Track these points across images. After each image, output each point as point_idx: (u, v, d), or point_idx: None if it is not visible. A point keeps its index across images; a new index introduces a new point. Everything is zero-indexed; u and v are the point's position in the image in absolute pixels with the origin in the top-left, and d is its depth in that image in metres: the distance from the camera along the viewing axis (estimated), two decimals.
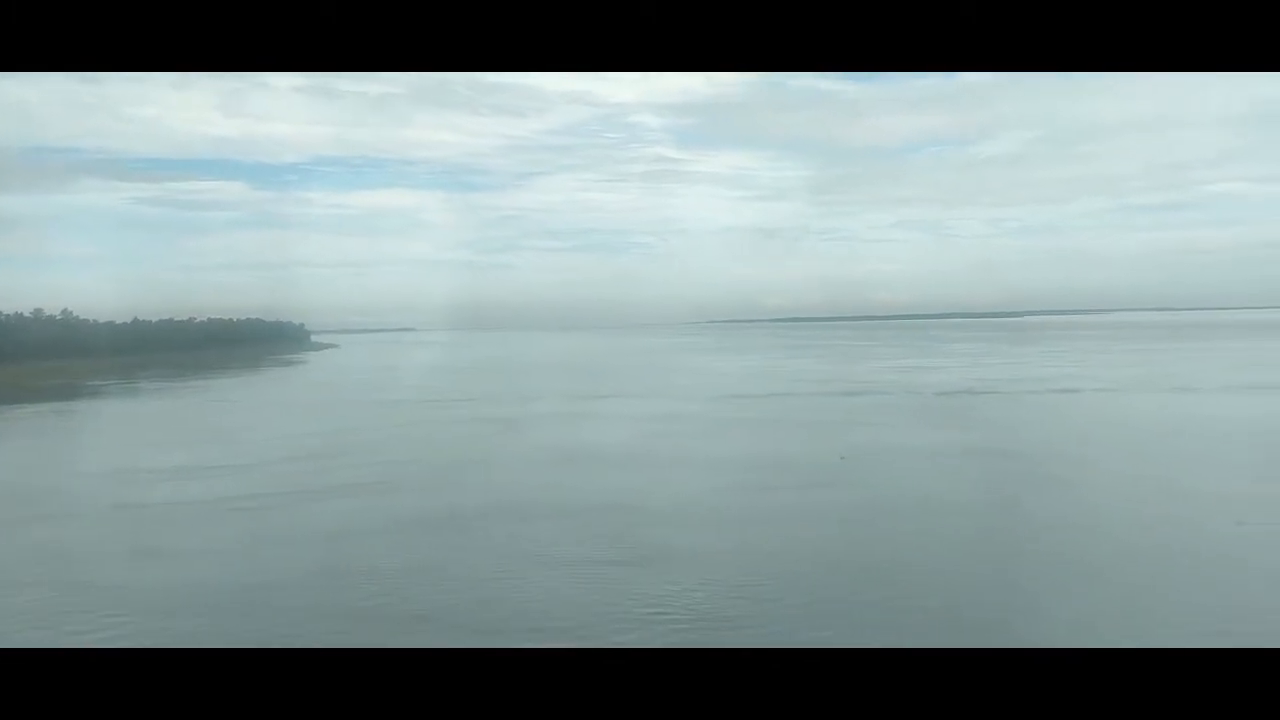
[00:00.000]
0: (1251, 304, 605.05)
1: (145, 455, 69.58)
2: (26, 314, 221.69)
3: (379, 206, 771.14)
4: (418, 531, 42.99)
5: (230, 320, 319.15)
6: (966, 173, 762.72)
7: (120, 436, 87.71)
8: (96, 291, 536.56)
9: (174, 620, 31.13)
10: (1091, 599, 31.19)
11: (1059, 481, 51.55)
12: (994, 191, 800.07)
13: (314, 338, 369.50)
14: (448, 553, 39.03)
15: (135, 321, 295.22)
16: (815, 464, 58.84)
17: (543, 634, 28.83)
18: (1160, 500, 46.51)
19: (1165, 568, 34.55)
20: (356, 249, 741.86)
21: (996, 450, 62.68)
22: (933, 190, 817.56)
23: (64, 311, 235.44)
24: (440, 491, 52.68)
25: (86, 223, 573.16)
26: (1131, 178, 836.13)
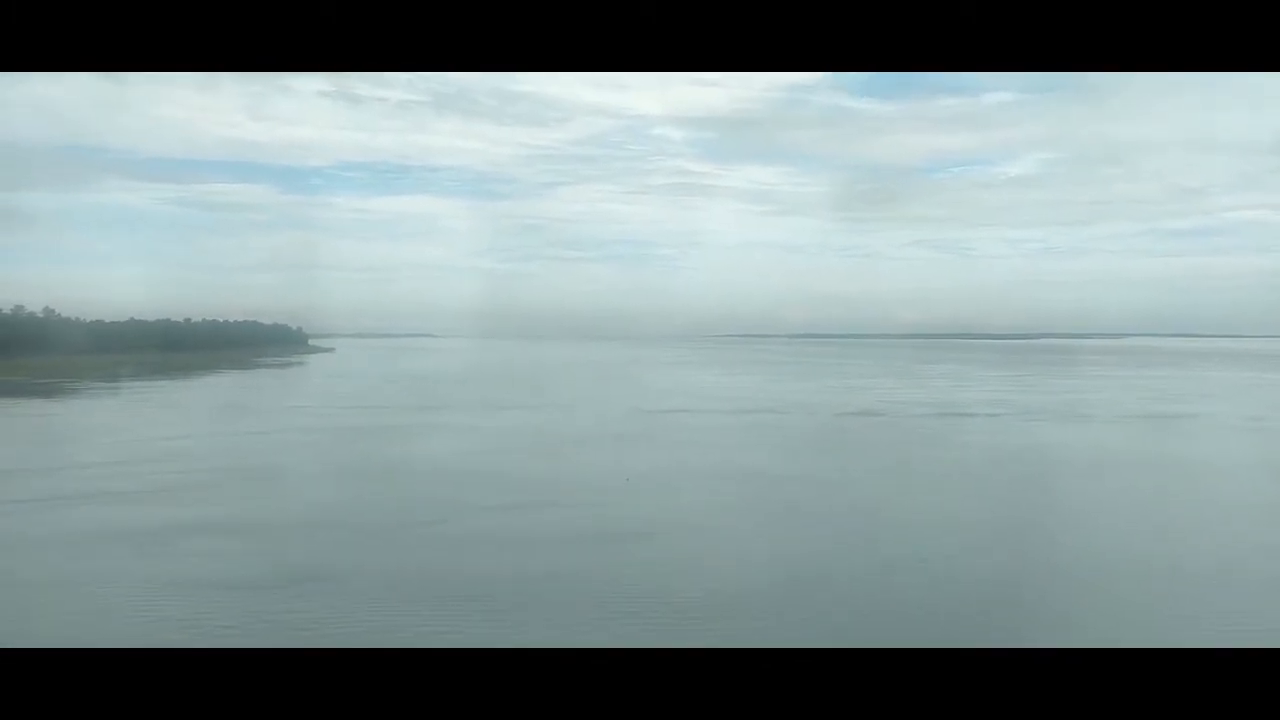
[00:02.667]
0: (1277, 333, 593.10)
1: None
2: (7, 310, 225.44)
3: (402, 212, 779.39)
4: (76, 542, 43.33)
5: (225, 322, 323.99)
6: (988, 193, 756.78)
7: None
8: (113, 289, 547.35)
9: None
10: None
11: (788, 507, 51.12)
12: (1015, 212, 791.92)
13: (312, 341, 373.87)
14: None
15: (130, 321, 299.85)
16: (588, 485, 58.70)
17: None
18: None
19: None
20: (379, 254, 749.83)
21: (783, 474, 62.23)
22: (954, 210, 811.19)
23: (46, 309, 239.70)
24: (160, 505, 52.17)
25: (111, 221, 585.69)
26: (1153, 201, 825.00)
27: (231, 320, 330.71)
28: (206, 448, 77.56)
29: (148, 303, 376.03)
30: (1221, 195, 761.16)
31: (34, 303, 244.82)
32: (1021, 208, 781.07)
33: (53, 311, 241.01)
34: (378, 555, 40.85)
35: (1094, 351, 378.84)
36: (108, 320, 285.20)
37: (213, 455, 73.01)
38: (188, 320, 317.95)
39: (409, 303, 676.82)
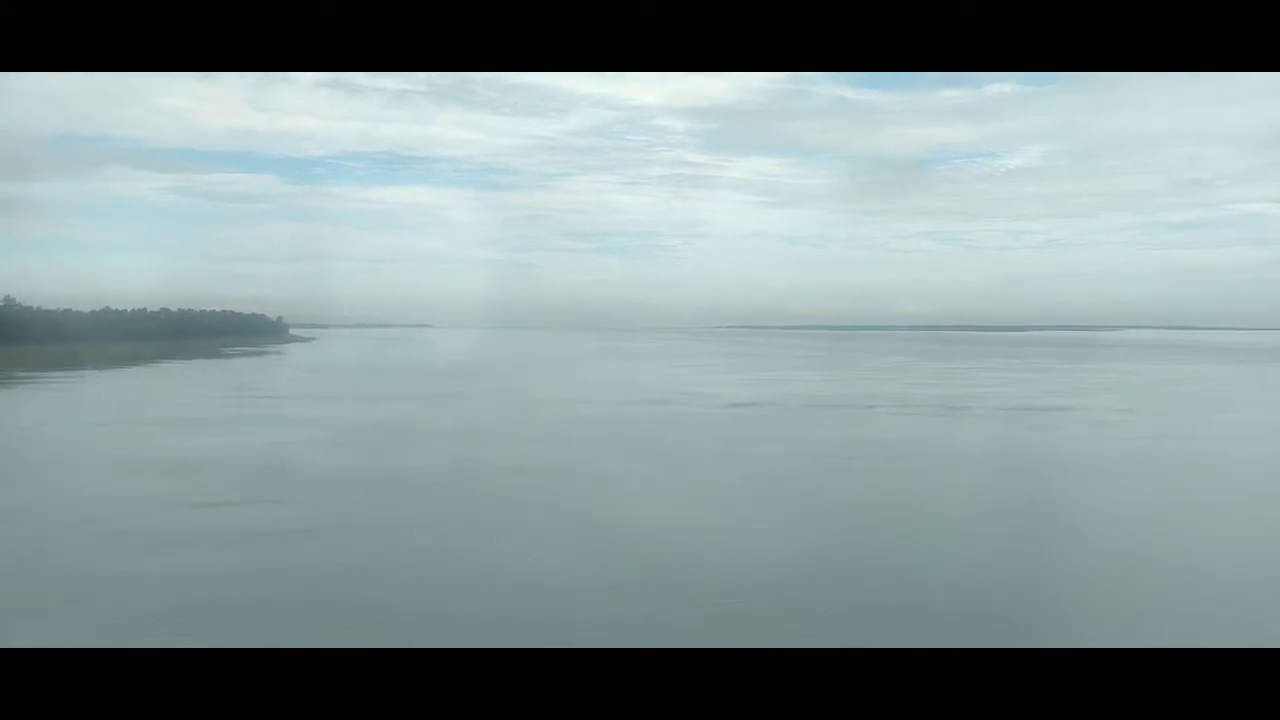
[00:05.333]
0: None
1: None
2: None
3: (404, 202, 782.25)
4: None
5: (201, 312, 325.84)
6: (989, 185, 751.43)
7: None
8: (108, 279, 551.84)
9: None
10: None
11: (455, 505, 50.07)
12: (1017, 204, 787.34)
13: (295, 331, 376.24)
14: None
15: (105, 310, 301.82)
16: (340, 481, 57.62)
17: None
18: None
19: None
20: (381, 244, 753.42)
21: (542, 468, 61.16)
22: (956, 202, 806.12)
23: (6, 298, 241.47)
24: None
25: (110, 210, 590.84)
26: (1154, 194, 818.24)
27: (208, 310, 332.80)
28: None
29: (141, 292, 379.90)
30: (1224, 188, 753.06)
31: (21, 294, 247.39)
32: (1024, 200, 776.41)
33: (13, 301, 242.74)
34: None
35: (1080, 344, 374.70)
36: (77, 310, 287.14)
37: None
38: (164, 310, 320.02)
39: (411, 293, 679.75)
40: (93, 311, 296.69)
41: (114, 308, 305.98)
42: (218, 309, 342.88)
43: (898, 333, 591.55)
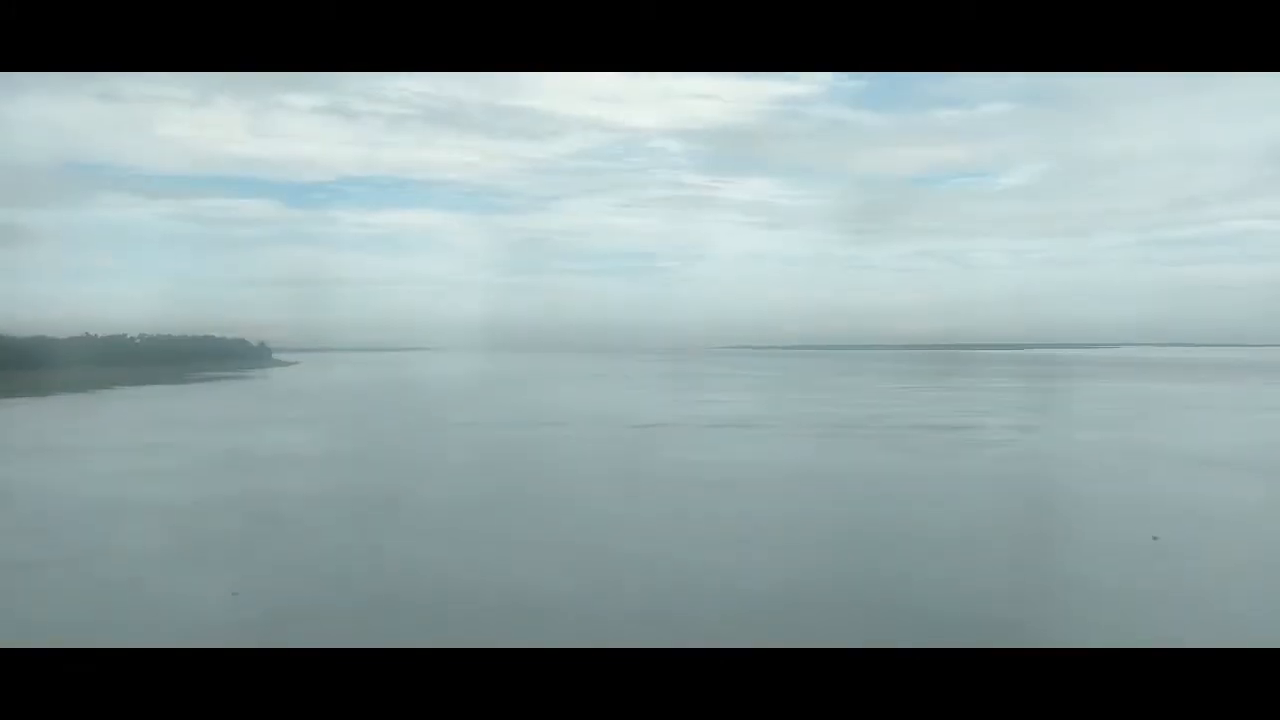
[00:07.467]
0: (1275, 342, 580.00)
1: None
2: None
3: (403, 226, 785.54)
4: None
5: (180, 337, 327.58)
6: (985, 204, 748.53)
7: None
8: (103, 305, 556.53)
9: None
10: None
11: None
12: (1014, 223, 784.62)
13: (279, 356, 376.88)
14: None
15: (84, 336, 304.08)
16: (113, 510, 57.79)
17: None
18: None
19: None
20: (381, 268, 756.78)
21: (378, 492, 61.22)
22: (952, 221, 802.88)
23: None
24: None
25: (113, 237, 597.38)
26: (1150, 212, 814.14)
27: (187, 335, 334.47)
28: None
29: (137, 319, 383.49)
30: (1219, 205, 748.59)
31: (14, 322, 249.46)
32: (1020, 219, 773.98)
33: None
34: None
35: (1061, 362, 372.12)
36: (52, 337, 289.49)
37: None
38: (141, 336, 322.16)
39: (410, 316, 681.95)
40: (70, 338, 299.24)
41: (92, 334, 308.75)
42: (199, 334, 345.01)
43: (893, 352, 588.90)
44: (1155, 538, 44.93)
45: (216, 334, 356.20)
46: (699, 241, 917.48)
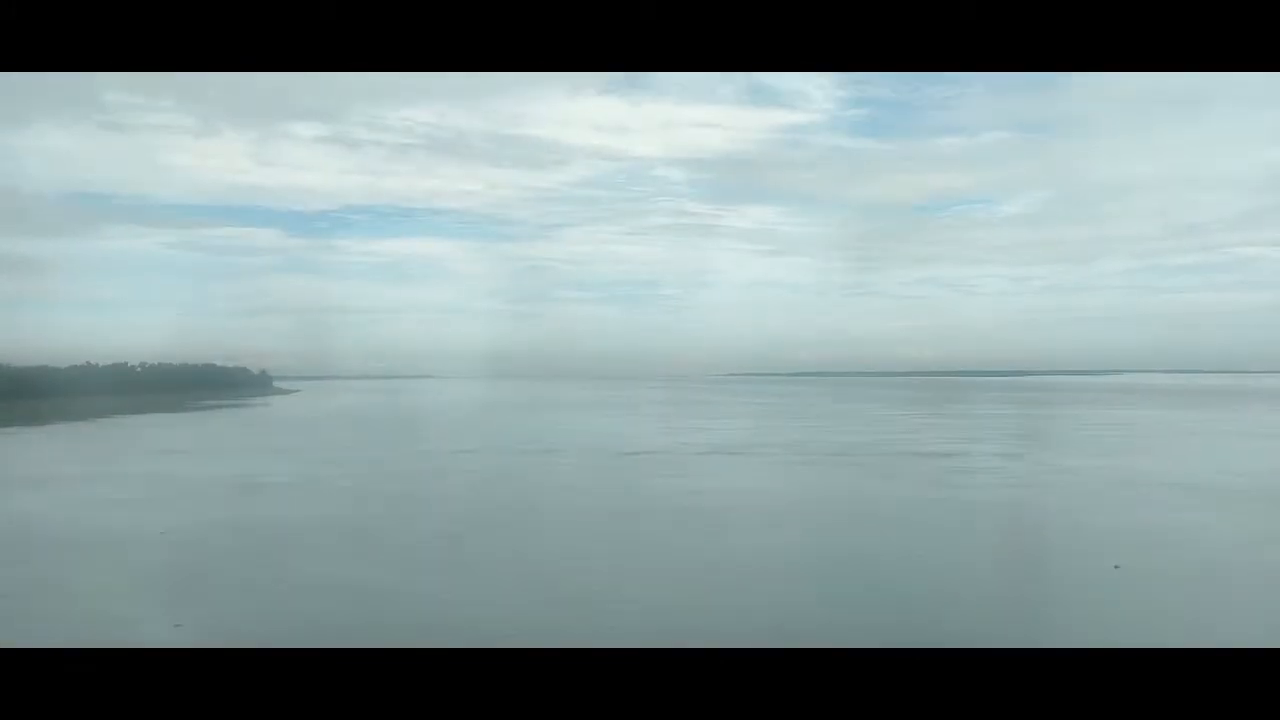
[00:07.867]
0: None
1: None
2: None
3: (407, 254, 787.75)
4: None
5: (179, 366, 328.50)
6: (988, 231, 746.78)
7: None
8: (108, 334, 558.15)
9: None
10: None
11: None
12: (1016, 250, 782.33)
13: (280, 384, 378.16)
14: None
15: (85, 365, 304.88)
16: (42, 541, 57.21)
17: None
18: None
19: None
20: (384, 295, 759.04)
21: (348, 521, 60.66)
22: (955, 248, 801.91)
23: None
24: None
25: (117, 266, 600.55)
26: (1151, 239, 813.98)
27: (188, 364, 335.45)
28: None
29: (141, 348, 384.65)
30: (1220, 232, 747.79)
31: (16, 352, 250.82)
32: (1022, 246, 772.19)
33: None
34: None
35: (1059, 389, 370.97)
36: (53, 366, 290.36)
37: None
38: (142, 364, 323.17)
39: (412, 344, 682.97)
40: (71, 367, 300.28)
41: (93, 363, 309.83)
42: (201, 363, 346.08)
43: (897, 379, 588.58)
44: (1116, 566, 44.08)
45: (219, 363, 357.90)
46: (702, 269, 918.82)
